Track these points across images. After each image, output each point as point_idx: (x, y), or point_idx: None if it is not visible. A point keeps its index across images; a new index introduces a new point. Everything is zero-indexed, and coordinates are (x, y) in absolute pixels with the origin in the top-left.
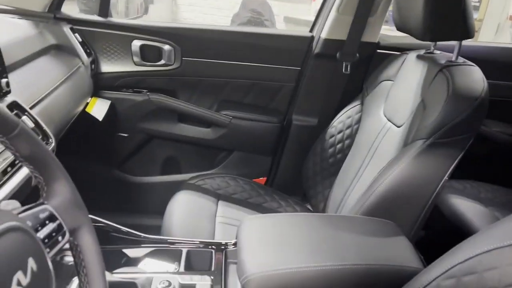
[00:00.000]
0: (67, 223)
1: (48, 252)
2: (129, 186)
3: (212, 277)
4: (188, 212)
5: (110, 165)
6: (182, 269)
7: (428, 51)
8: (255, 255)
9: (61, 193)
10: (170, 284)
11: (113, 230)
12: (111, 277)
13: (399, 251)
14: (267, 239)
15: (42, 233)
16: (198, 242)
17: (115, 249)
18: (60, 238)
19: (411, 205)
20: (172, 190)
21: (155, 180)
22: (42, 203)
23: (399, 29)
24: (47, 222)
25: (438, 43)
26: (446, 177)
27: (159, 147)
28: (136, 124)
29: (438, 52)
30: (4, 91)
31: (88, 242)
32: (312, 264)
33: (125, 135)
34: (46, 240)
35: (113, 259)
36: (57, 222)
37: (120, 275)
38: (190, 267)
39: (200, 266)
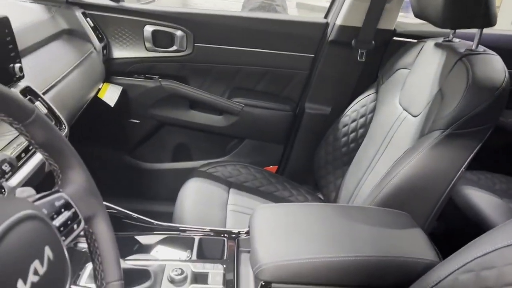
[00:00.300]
0: (83, 211)
1: (64, 240)
2: (140, 172)
3: (224, 266)
4: (199, 200)
5: (121, 151)
6: (194, 257)
7: (447, 39)
8: (268, 245)
9: (77, 181)
10: (182, 272)
11: (125, 216)
12: (124, 264)
13: (414, 243)
14: (280, 228)
15: (57, 221)
16: (209, 230)
17: (127, 236)
18: (75, 226)
19: (426, 197)
20: (183, 177)
21: (166, 167)
22: (58, 191)
23: (417, 16)
24: (62, 210)
25: (457, 31)
26: (462, 169)
27: (170, 133)
28: (148, 111)
29: (457, 40)
30: (17, 76)
31: (103, 230)
32: (326, 255)
33: (137, 121)
34: (62, 228)
35: (126, 245)
36: (72, 210)
37: (133, 262)
38: (202, 255)
39: (212, 254)
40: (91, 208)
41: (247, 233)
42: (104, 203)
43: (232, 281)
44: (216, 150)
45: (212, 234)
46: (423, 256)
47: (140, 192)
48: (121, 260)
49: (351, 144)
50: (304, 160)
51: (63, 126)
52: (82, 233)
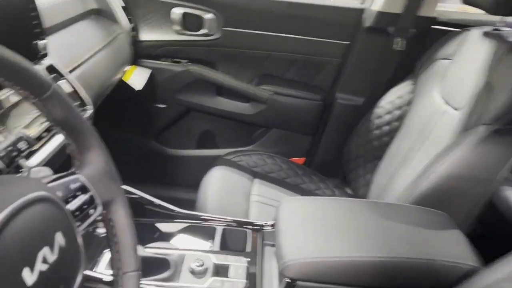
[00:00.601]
0: (100, 195)
1: (79, 226)
2: (164, 158)
3: (248, 259)
4: (223, 189)
5: (146, 136)
6: (216, 248)
7: (496, 27)
8: (295, 240)
9: (95, 163)
10: (203, 263)
11: (146, 202)
12: (142, 251)
13: (454, 246)
14: (309, 223)
15: (72, 205)
16: (232, 221)
17: (147, 223)
18: (91, 211)
19: (467, 196)
20: (207, 165)
21: (191, 153)
22: (74, 173)
23: (466, 1)
24: (78, 193)
25: (507, 19)
26: (509, 167)
27: (196, 120)
28: (174, 95)
29: (507, 29)
30: (41, 53)
31: (122, 217)
32: (357, 254)
33: (163, 106)
34: (77, 213)
35: (145, 233)
36: (89, 193)
37: (152, 250)
38: (224, 246)
39: (234, 245)
40: (110, 193)
41: (272, 225)
42: (125, 187)
43: (255, 275)
44: (242, 139)
45: (235, 224)
46: (463, 260)
47: (163, 178)
48: (140, 248)
49: (384, 138)
50: (332, 153)
51: (88, 106)
52: (99, 218)
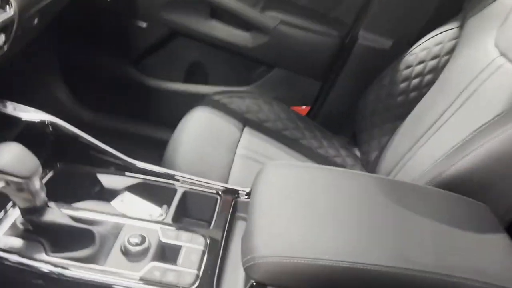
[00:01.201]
0: None
1: None
2: (142, 89)
3: (208, 240)
4: (202, 135)
5: (123, 61)
6: (169, 219)
7: None
8: (271, 227)
9: None
10: (143, 241)
11: (94, 148)
12: (60, 216)
13: (503, 258)
14: (295, 203)
15: None
16: (201, 182)
17: (86, 172)
18: None
19: None
20: (191, 104)
21: (174, 87)
22: None
23: None
24: None
25: None
26: None
27: (183, 47)
28: (158, 12)
29: None
30: None
31: None
32: (358, 259)
33: (144, 24)
34: None
35: (81, 186)
36: None
37: (79, 212)
38: (180, 217)
39: (195, 217)
40: None
41: (248, 194)
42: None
43: (215, 265)
44: (236, 76)
45: (203, 188)
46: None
47: (138, 113)
48: (64, 210)
49: (411, 93)
50: (344, 105)
51: (10, 4)
52: None
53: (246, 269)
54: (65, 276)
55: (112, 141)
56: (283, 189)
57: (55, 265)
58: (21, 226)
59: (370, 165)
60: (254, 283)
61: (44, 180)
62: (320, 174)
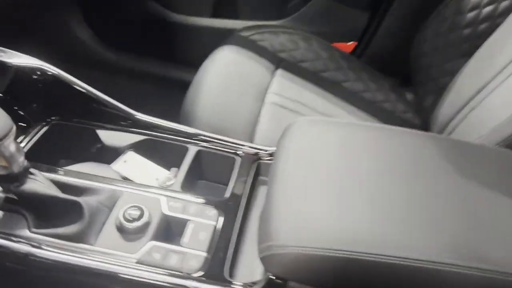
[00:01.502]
0: None
1: None
2: (165, 25)
3: (221, 213)
4: (226, 81)
5: None
6: (177, 185)
7: None
8: (297, 207)
9: None
10: (142, 214)
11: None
12: (43, 183)
13: None
14: (331, 174)
15: None
16: (218, 140)
17: (84, 129)
18: None
19: None
20: (218, 42)
21: (199, 22)
22: None
23: None
24: None
25: None
26: None
27: None
28: None
29: None
30: None
31: None
32: (405, 253)
33: None
34: None
35: (78, 145)
36: None
37: (68, 178)
38: (191, 184)
39: (212, 179)
40: None
41: (271, 155)
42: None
43: (227, 247)
44: (270, 8)
45: (220, 146)
46: None
47: (165, 52)
48: (51, 175)
49: (481, 24)
50: (397, 40)
51: None
52: None
53: (262, 260)
54: (46, 259)
55: (137, 83)
56: (315, 155)
57: (38, 245)
58: (1, 195)
59: (424, 112)
60: (272, 277)
61: (36, 138)
62: (365, 136)
